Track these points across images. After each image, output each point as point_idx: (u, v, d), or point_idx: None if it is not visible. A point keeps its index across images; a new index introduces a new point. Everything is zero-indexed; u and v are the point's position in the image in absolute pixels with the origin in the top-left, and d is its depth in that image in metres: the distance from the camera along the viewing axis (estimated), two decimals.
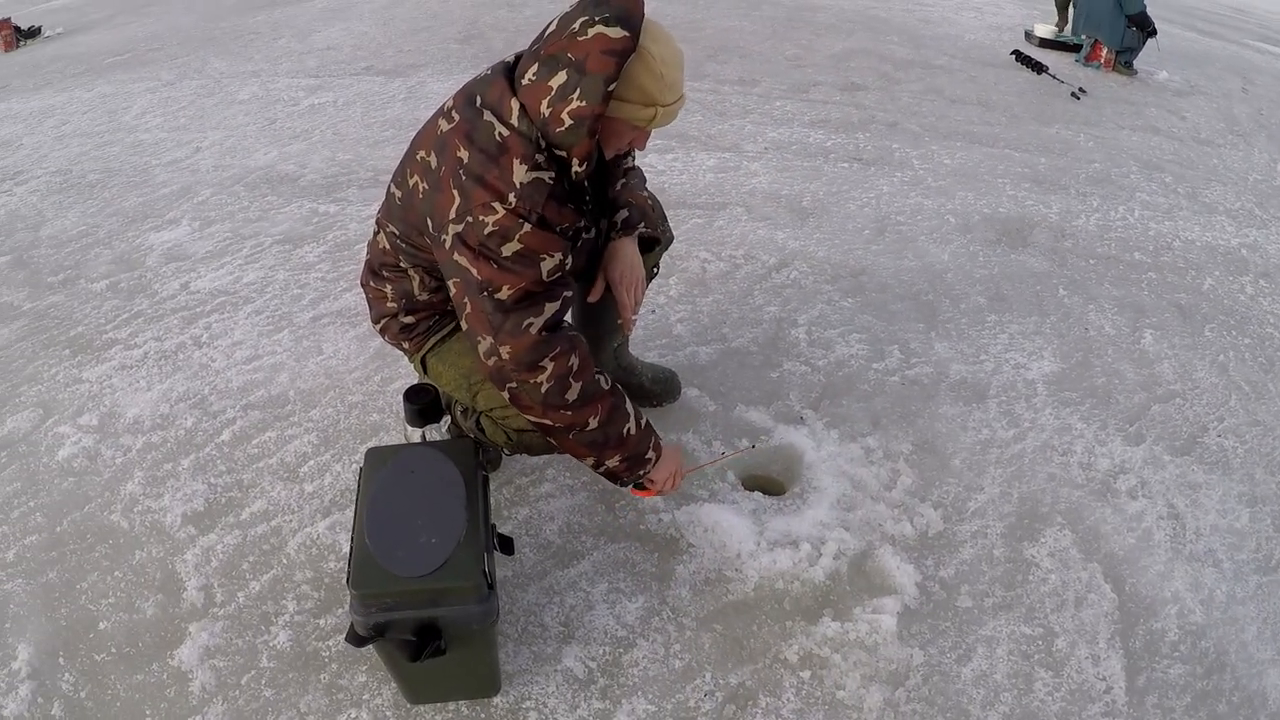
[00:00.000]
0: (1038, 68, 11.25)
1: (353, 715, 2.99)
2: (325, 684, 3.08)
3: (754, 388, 4.54)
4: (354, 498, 2.94)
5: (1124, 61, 11.63)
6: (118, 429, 4.28)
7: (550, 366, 2.76)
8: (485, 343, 2.78)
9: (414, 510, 2.66)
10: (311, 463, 4.02)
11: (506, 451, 3.48)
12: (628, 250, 3.39)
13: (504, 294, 2.71)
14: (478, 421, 3.37)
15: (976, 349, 5.02)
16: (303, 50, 11.35)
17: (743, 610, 3.40)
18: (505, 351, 2.74)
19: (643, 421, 3.05)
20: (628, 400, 3.01)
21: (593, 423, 2.88)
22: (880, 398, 4.55)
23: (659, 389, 4.29)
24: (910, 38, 12.57)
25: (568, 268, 2.86)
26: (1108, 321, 5.42)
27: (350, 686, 3.07)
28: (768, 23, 12.78)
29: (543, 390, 2.78)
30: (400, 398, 3.50)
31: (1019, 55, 11.62)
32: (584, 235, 3.10)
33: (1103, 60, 11.78)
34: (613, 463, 3.02)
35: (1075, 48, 12.26)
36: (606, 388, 2.92)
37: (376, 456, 2.85)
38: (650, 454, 3.09)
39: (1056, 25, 13.09)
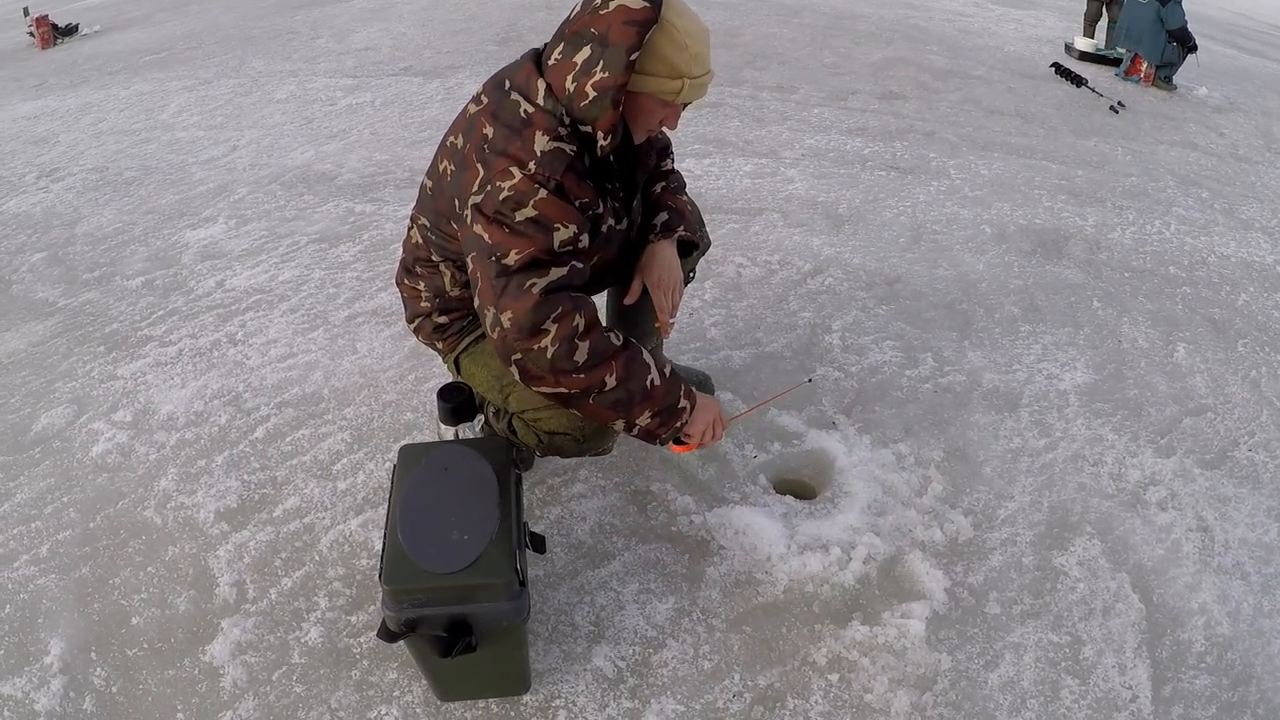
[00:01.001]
0: (1077, 80, 11.23)
1: (383, 712, 3.00)
2: (356, 680, 3.09)
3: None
4: (387, 495, 2.95)
5: (1164, 76, 11.61)
6: (151, 425, 4.30)
7: (554, 329, 2.69)
8: (489, 314, 2.74)
9: (447, 507, 2.66)
10: (345, 460, 4.04)
11: (538, 453, 3.48)
12: (666, 253, 3.38)
13: (511, 258, 2.68)
14: (509, 423, 3.37)
15: (1009, 358, 5.01)
16: (341, 50, 11.42)
17: (772, 613, 3.40)
18: (506, 318, 2.69)
19: (666, 370, 2.94)
20: (645, 351, 2.90)
21: (610, 381, 2.79)
22: (913, 405, 4.55)
23: None
24: (950, 48, 12.58)
25: (582, 245, 2.83)
26: (1141, 334, 5.41)
27: (381, 683, 3.08)
28: (807, 30, 12.80)
29: (549, 355, 2.70)
30: (434, 397, 3.50)
31: (1058, 68, 11.62)
32: (610, 223, 3.09)
33: (1143, 74, 11.76)
34: (644, 420, 2.91)
35: (1115, 61, 12.24)
36: (619, 344, 2.82)
37: (410, 454, 2.86)
38: (683, 403, 2.97)
39: (1084, 36, 13.09)
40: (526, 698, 3.05)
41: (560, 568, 3.54)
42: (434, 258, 3.15)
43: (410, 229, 3.25)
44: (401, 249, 3.37)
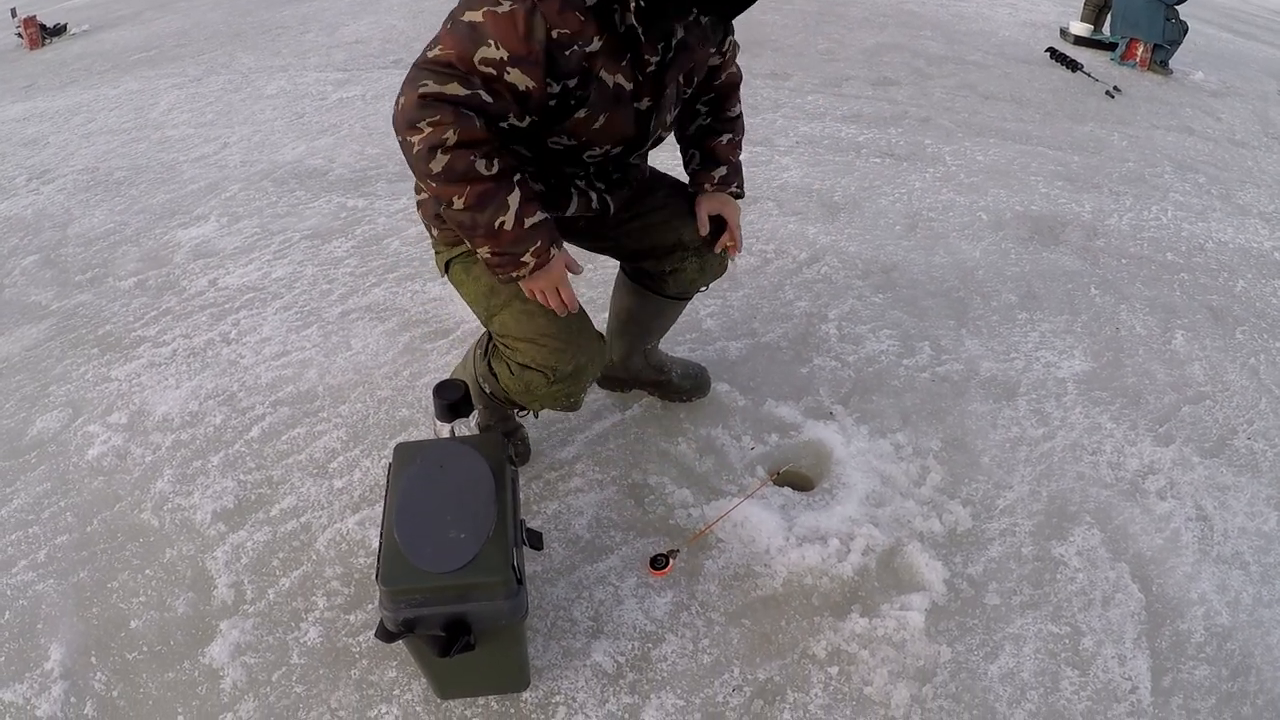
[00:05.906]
0: (1072, 65, 11.16)
1: (383, 711, 3.00)
2: (356, 680, 3.09)
3: (784, 383, 4.53)
4: (383, 493, 2.94)
5: (1160, 60, 11.54)
6: (147, 427, 4.29)
7: (425, 131, 2.63)
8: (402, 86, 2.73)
9: (443, 506, 2.65)
10: (341, 458, 4.04)
11: (513, 399, 3.37)
12: (731, 201, 3.47)
13: (434, 51, 2.64)
14: (489, 364, 3.33)
15: (1007, 347, 5.00)
16: (331, 44, 11.37)
17: (771, 606, 3.40)
18: (400, 99, 2.66)
19: (527, 223, 2.85)
20: (516, 193, 2.82)
21: (458, 203, 2.76)
22: (910, 394, 4.54)
23: (689, 384, 4.29)
24: (944, 33, 12.52)
25: (509, 78, 2.68)
26: (1139, 322, 5.39)
27: (380, 682, 3.08)
28: (800, 16, 12.73)
29: (414, 151, 2.68)
30: (429, 393, 3.49)
31: (1054, 53, 11.53)
32: (620, 81, 2.90)
33: (1138, 59, 11.69)
34: (484, 252, 2.91)
35: (1111, 46, 12.18)
36: (485, 174, 2.75)
37: (405, 452, 2.85)
38: (528, 259, 2.92)
39: (1080, 21, 13.04)
40: (526, 694, 3.05)
41: (558, 563, 3.53)
42: None
43: None
44: None
